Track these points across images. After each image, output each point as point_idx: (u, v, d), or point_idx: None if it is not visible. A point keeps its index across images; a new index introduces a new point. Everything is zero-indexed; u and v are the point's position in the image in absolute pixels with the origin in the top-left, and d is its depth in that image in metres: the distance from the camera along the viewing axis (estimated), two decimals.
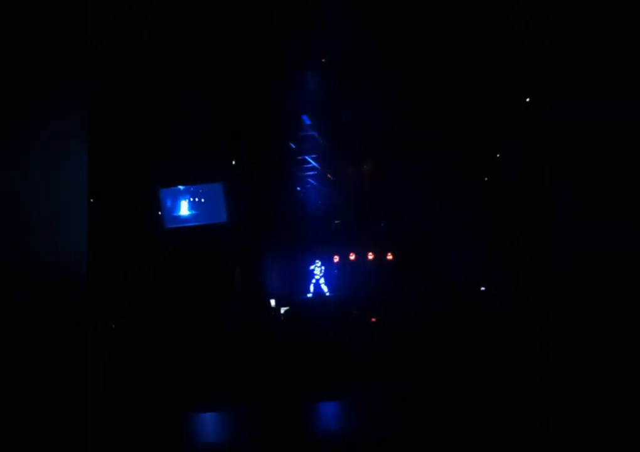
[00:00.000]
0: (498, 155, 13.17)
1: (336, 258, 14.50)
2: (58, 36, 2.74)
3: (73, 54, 2.77)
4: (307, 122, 11.43)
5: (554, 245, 2.78)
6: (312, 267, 14.40)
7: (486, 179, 15.46)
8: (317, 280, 14.47)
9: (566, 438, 2.67)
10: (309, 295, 14.36)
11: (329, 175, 13.50)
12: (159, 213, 12.23)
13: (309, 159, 12.76)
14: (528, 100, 9.40)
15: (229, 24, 6.51)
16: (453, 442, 3.36)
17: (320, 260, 14.38)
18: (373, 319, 10.36)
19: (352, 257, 14.48)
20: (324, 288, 14.41)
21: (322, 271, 14.46)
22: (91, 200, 9.71)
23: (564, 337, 2.74)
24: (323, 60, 7.86)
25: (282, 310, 12.81)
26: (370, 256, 14.69)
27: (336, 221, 14.39)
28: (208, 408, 5.18)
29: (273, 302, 12.94)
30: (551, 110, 2.82)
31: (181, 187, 12.27)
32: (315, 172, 13.47)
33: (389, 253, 15.07)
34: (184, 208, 12.29)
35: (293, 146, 12.23)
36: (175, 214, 12.30)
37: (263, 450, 3.54)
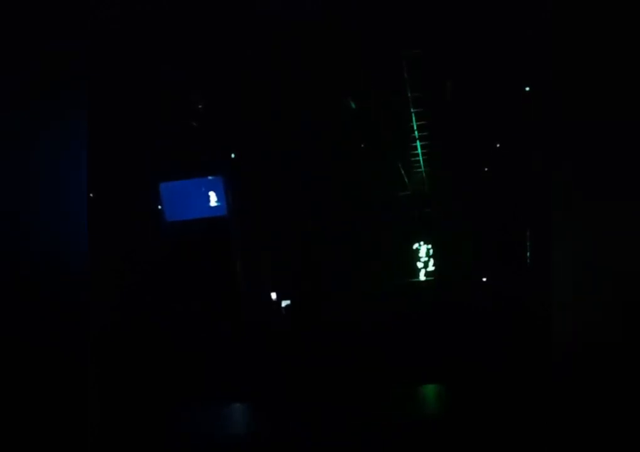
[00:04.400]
0: (498, 145, 13.15)
1: None
2: (55, 29, 2.72)
3: (70, 48, 2.75)
4: None
5: (554, 237, 2.76)
6: None
7: (486, 169, 15.47)
8: None
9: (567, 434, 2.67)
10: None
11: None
12: (159, 207, 12.22)
13: None
14: (527, 89, 9.34)
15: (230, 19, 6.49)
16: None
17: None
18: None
19: None
20: None
21: None
22: (90, 195, 9.71)
23: (565, 328, 2.73)
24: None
25: (283, 303, 12.84)
26: None
27: None
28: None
29: (274, 295, 12.97)
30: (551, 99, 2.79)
31: (180, 181, 12.25)
32: None
33: None
34: (184, 202, 12.27)
35: None
36: (175, 208, 12.27)
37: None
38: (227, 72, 8.13)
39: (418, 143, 13.49)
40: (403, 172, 15.84)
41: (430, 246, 18.05)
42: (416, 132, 12.53)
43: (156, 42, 6.71)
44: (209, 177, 12.14)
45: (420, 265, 18.10)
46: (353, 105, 10.16)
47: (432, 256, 17.98)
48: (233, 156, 12.12)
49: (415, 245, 18.15)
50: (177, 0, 6.00)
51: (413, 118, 11.50)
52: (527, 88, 9.29)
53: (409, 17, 6.72)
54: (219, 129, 11.08)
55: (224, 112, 10.18)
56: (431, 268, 17.92)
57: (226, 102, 9.67)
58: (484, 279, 13.77)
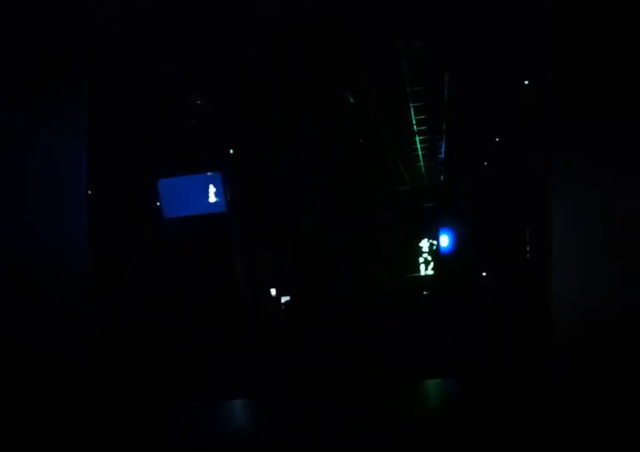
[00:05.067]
0: (497, 139, 13.14)
1: None
2: (55, 29, 2.71)
3: (70, 48, 2.75)
4: None
5: (554, 236, 2.76)
6: None
7: (485, 164, 15.48)
8: None
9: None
10: None
11: None
12: (157, 203, 12.20)
13: None
14: (526, 82, 9.31)
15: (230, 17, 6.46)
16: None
17: None
18: None
19: None
20: None
21: None
22: (89, 192, 9.67)
23: (564, 328, 2.73)
24: None
25: (283, 299, 12.84)
26: None
27: None
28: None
29: (273, 291, 12.97)
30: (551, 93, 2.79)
31: (178, 177, 12.22)
32: None
33: None
34: (183, 198, 12.24)
35: None
36: (173, 204, 12.25)
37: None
38: (227, 72, 8.11)
39: (417, 138, 13.49)
40: (402, 167, 15.84)
41: (431, 241, 18.07)
42: (415, 127, 12.52)
43: (156, 42, 6.69)
44: (208, 174, 12.12)
45: (421, 260, 18.13)
46: (352, 100, 10.15)
47: (433, 251, 18.00)
48: (231, 151, 12.10)
49: (415, 240, 18.18)
50: (177, 0, 5.97)
51: (412, 113, 11.49)
52: (526, 82, 9.26)
53: (409, 14, 6.71)
54: (218, 127, 11.08)
55: (224, 110, 10.17)
56: (431, 264, 17.95)
57: (226, 100, 9.66)
58: (484, 274, 13.80)
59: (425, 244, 18.14)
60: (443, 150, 14.71)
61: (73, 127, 2.82)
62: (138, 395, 5.61)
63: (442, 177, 18.14)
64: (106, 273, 9.40)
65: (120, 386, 5.54)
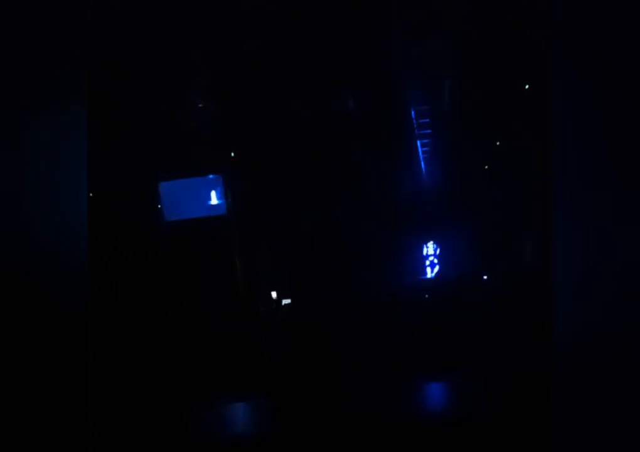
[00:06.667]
0: (498, 143, 13.14)
1: None
2: (55, 29, 2.71)
3: (70, 47, 2.75)
4: None
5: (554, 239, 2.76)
6: None
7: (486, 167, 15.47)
8: None
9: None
10: None
11: None
12: (159, 206, 12.21)
13: None
14: (527, 87, 9.35)
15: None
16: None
17: None
18: None
19: None
20: None
21: None
22: (90, 195, 9.71)
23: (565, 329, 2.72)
24: None
25: (283, 302, 12.83)
26: None
27: None
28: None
29: (274, 294, 12.98)
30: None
31: (180, 180, 12.23)
32: None
33: None
34: (184, 201, 12.25)
35: None
36: (174, 207, 12.25)
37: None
38: (227, 72, 8.14)
39: (418, 142, 13.50)
40: (403, 170, 15.84)
41: (432, 244, 18.06)
42: (416, 130, 12.53)
43: (156, 41, 6.70)
44: (209, 176, 12.14)
45: (423, 263, 18.11)
46: (352, 104, 10.16)
47: (434, 254, 17.99)
48: (232, 154, 12.12)
49: (417, 243, 18.16)
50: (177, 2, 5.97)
51: (413, 116, 11.49)
52: (527, 86, 9.29)
53: (409, 13, 6.73)
54: (220, 129, 11.10)
55: (224, 111, 10.19)
56: (434, 266, 17.94)
57: (226, 101, 9.68)
58: (485, 277, 13.79)
59: (428, 246, 18.15)
60: (444, 154, 14.73)
61: (73, 127, 2.82)
62: (139, 395, 5.62)
63: (442, 180, 18.13)
64: (106, 272, 9.42)
65: (120, 386, 5.55)
